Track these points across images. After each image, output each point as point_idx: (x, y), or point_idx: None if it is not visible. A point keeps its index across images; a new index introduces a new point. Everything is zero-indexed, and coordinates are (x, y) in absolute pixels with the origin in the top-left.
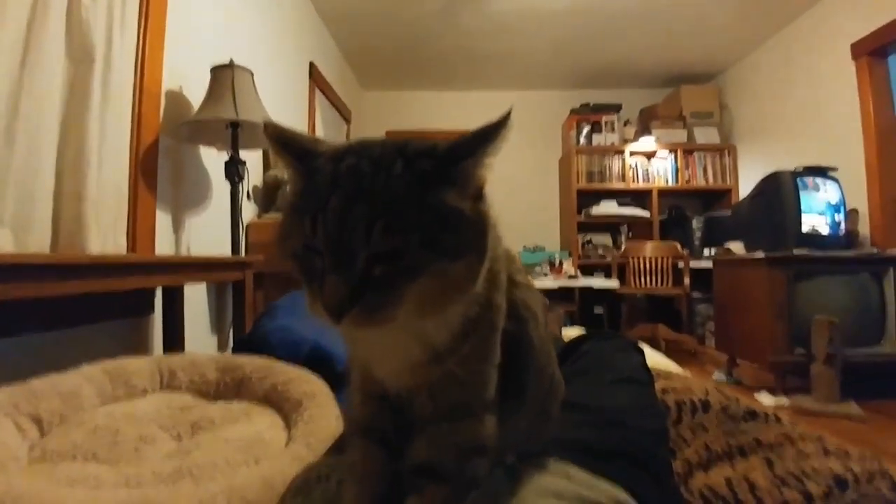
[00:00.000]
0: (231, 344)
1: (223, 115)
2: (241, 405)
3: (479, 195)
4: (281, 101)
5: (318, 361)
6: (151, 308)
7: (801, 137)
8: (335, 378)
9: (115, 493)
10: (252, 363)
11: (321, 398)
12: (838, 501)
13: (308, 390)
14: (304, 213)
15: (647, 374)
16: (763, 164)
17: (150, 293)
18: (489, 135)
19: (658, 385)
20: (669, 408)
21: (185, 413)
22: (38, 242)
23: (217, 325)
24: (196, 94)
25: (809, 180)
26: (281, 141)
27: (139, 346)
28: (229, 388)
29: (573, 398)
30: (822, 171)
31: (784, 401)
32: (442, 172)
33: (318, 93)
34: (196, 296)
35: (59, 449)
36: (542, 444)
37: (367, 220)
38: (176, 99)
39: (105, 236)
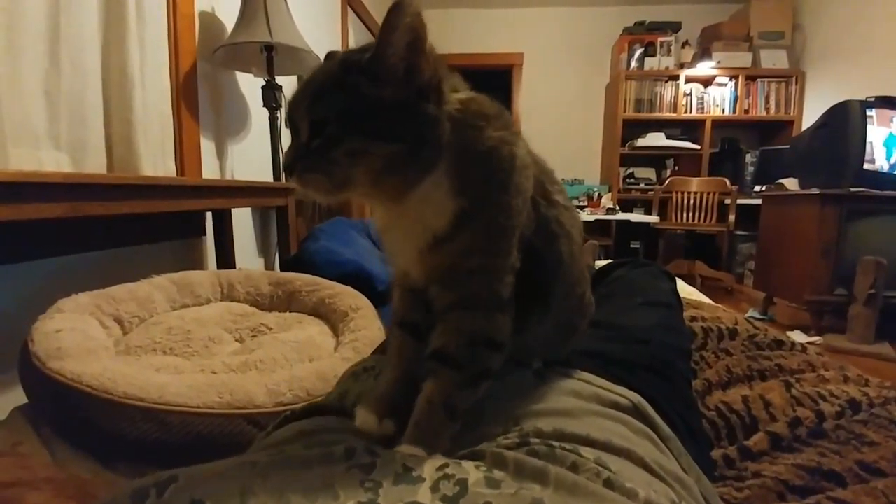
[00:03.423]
0: (277, 266)
1: (257, 38)
2: (293, 315)
3: (426, 95)
4: (312, 22)
5: (360, 280)
6: (203, 230)
7: (877, 66)
8: (375, 296)
9: (194, 377)
10: (301, 278)
11: (365, 310)
12: (849, 421)
13: (353, 304)
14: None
15: (677, 300)
16: (832, 94)
17: (202, 216)
18: (410, 35)
19: (687, 313)
20: (696, 334)
21: (245, 319)
22: (94, 166)
23: (263, 249)
24: (228, 15)
25: (879, 112)
26: None
27: (195, 265)
28: (282, 301)
29: (601, 317)
30: (894, 102)
31: (816, 339)
32: (364, 68)
33: (350, 13)
34: (243, 221)
35: (141, 344)
36: (566, 353)
37: (305, 103)
38: (209, 21)
39: (155, 160)
